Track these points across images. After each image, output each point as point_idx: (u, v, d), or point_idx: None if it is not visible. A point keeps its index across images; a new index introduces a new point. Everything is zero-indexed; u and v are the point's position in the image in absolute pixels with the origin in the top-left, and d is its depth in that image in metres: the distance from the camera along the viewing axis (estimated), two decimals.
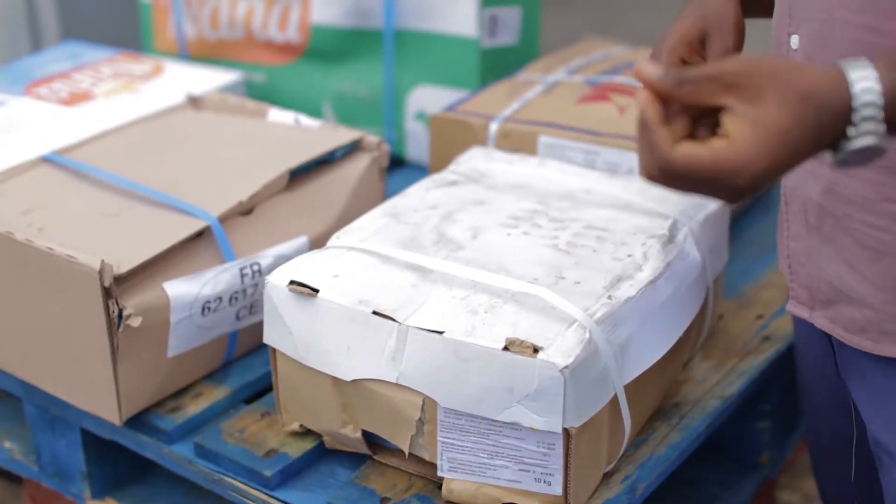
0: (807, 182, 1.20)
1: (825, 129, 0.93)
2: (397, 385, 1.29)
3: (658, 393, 1.46)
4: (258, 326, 1.50)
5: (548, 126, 1.76)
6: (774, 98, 0.92)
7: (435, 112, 1.89)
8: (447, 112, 1.86)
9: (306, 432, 1.43)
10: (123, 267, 1.39)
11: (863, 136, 0.93)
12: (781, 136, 0.92)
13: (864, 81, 0.93)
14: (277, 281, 1.36)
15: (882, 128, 0.92)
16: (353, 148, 1.70)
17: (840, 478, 1.41)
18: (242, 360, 1.59)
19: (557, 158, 1.72)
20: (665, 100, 0.96)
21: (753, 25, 1.32)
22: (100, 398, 1.46)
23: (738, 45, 1.26)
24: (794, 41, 1.16)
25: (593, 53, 2.07)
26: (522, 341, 1.21)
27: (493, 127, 1.79)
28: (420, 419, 1.29)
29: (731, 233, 1.63)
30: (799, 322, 1.36)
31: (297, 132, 1.74)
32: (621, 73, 1.91)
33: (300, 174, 1.63)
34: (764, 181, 0.94)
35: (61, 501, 1.64)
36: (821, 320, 1.26)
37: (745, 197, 0.96)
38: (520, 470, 1.27)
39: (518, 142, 1.77)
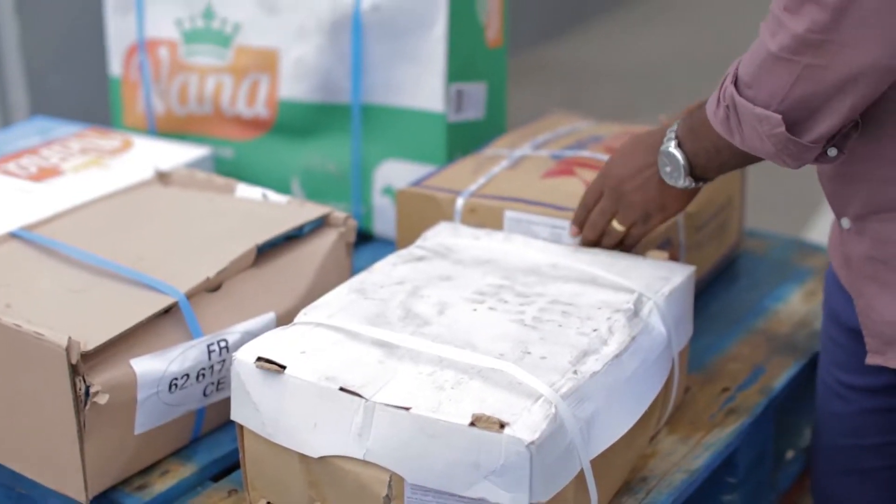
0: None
1: (649, 144, 1.55)
2: (364, 462, 1.29)
3: (625, 467, 1.46)
4: (225, 403, 1.50)
5: (513, 201, 1.77)
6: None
7: (401, 187, 1.90)
8: (414, 187, 1.87)
9: None
10: (90, 344, 1.39)
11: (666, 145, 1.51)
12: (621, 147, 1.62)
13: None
14: (244, 357, 1.36)
15: (673, 143, 1.50)
16: (321, 223, 1.71)
17: None
18: (210, 436, 1.59)
19: (524, 233, 1.73)
20: None
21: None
22: (66, 476, 1.45)
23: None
24: None
25: (559, 128, 2.09)
26: (489, 417, 1.22)
27: (460, 202, 1.80)
28: (387, 496, 1.29)
29: (697, 306, 1.64)
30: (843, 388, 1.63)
31: (264, 208, 1.75)
32: (587, 148, 1.93)
33: (268, 250, 1.64)
34: (615, 169, 1.59)
35: None
36: (893, 361, 1.45)
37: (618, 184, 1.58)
38: None
39: (484, 217, 1.78)
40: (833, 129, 1.31)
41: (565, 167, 1.85)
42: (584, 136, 2.02)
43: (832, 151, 1.36)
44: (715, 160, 1.47)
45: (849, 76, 1.25)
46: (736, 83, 1.35)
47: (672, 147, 1.49)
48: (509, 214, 1.76)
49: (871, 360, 1.48)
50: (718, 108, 1.39)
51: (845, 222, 1.46)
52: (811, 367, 1.79)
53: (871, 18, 1.21)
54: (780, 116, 1.30)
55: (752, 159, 1.45)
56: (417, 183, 1.89)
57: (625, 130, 2.05)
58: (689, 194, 1.56)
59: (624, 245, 1.63)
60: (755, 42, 1.33)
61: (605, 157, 1.87)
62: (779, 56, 1.28)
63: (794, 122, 1.31)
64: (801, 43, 1.25)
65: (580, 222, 1.64)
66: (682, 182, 1.51)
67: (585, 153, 1.90)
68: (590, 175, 1.80)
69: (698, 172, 1.50)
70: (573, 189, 1.77)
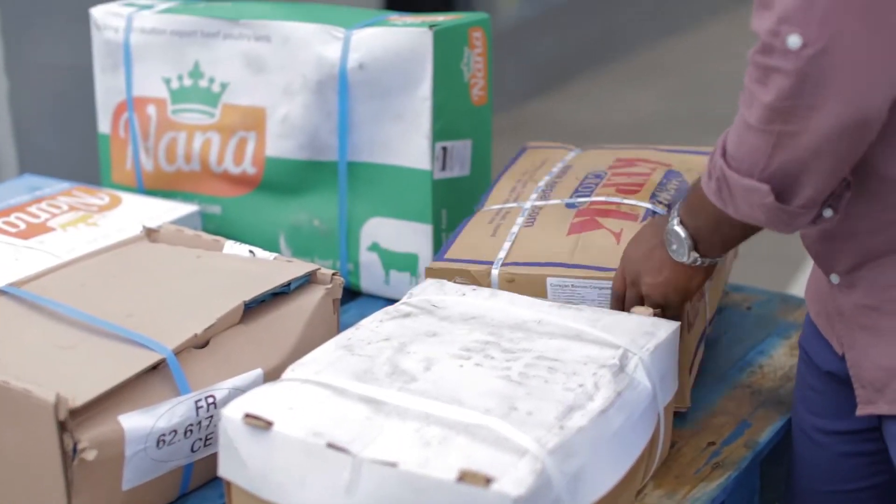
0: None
1: (658, 226, 1.59)
2: None
3: None
4: (213, 459, 1.51)
5: (551, 266, 1.73)
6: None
7: (430, 263, 1.82)
8: (441, 262, 1.79)
9: None
10: (78, 400, 1.40)
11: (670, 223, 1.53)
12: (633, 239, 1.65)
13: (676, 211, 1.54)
14: (232, 414, 1.36)
15: (676, 220, 1.52)
16: (308, 280, 1.72)
17: None
18: (197, 492, 1.59)
19: (569, 298, 1.71)
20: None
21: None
22: None
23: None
24: None
25: (550, 166, 2.04)
26: (475, 472, 1.23)
27: (495, 272, 1.75)
28: None
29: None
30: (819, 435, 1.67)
31: (251, 264, 1.76)
32: (595, 192, 1.87)
33: (255, 307, 1.65)
34: (630, 253, 1.62)
35: None
36: (886, 407, 1.48)
37: (635, 267, 1.61)
38: None
39: (523, 286, 1.73)
40: (819, 192, 1.34)
41: (588, 220, 1.80)
42: (582, 173, 1.97)
43: (828, 212, 1.39)
44: (716, 234, 1.49)
45: (822, 138, 1.28)
46: (724, 156, 1.38)
47: (675, 224, 1.51)
48: (552, 281, 1.72)
49: (861, 411, 1.50)
50: (710, 180, 1.42)
51: (835, 278, 1.49)
52: None
53: (829, 79, 1.24)
54: (767, 186, 1.34)
55: (753, 230, 1.46)
56: (441, 257, 1.81)
57: (614, 155, 2.03)
58: (703, 273, 1.57)
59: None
60: (737, 115, 1.36)
61: (617, 199, 1.84)
62: (755, 127, 1.32)
63: (781, 190, 1.34)
64: (771, 111, 1.29)
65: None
66: (688, 258, 1.52)
67: (599, 199, 1.85)
68: (613, 223, 1.77)
69: (703, 248, 1.52)
70: (604, 243, 1.74)
